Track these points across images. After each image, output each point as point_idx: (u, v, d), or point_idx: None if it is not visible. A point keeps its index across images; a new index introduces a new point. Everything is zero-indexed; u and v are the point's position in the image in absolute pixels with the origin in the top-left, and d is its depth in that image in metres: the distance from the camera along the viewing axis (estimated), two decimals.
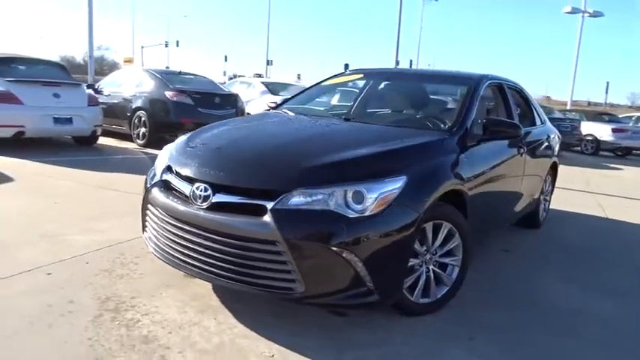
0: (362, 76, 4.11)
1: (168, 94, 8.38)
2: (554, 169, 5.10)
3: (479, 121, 3.19)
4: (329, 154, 2.54)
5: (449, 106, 3.62)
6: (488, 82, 3.66)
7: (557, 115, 14.77)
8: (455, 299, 2.87)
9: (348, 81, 4.13)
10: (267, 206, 2.27)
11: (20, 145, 7.24)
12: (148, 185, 2.81)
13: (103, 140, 8.77)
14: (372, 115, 3.78)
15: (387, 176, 2.39)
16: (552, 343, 2.58)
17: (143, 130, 8.53)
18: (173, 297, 2.72)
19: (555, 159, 5.00)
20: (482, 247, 4.04)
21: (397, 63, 41.66)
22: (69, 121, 7.38)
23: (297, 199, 2.28)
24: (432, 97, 3.80)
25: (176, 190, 2.64)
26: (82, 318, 2.41)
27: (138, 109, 8.66)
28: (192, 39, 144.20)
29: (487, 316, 2.83)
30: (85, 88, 8.06)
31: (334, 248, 2.21)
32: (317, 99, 4.25)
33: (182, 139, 3.06)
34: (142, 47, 57.72)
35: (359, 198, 2.29)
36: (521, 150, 3.85)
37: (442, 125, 3.22)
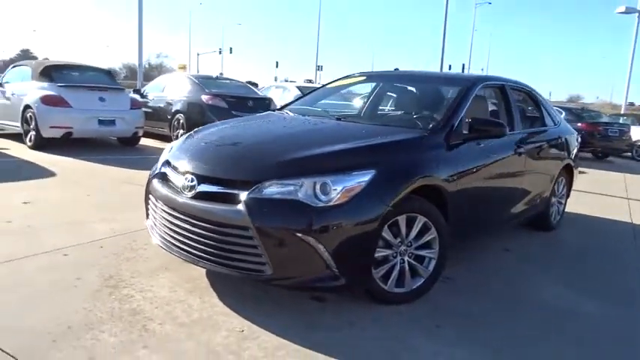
0: (365, 78, 4.29)
1: (204, 97, 8.84)
2: (568, 171, 5.04)
3: (467, 120, 3.29)
4: (304, 150, 2.74)
5: (440, 106, 3.72)
6: (484, 83, 3.74)
7: (605, 119, 14.23)
8: (435, 292, 3.00)
9: (352, 83, 4.31)
10: (242, 195, 2.51)
11: (70, 144, 7.88)
12: (150, 177, 3.11)
13: (146, 142, 9.35)
14: (364, 115, 3.94)
15: (354, 170, 2.57)
16: (524, 336, 2.66)
17: (181, 131, 9.02)
18: (169, 278, 3.00)
19: (569, 161, 4.95)
20: (483, 245, 4.12)
21: (449, 67, 41.25)
22: (112, 122, 7.96)
23: (269, 190, 2.50)
24: (425, 97, 3.92)
25: (171, 181, 2.92)
26: (83, 292, 2.73)
27: (177, 112, 9.18)
28: (246, 46, 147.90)
29: (462, 308, 2.93)
30: (128, 92, 8.64)
31: (299, 235, 2.41)
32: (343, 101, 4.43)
33: (184, 136, 3.36)
34: (198, 54, 60.06)
35: (326, 189, 2.48)
36: (520, 150, 3.89)
37: (427, 124, 3.35)
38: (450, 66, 42.70)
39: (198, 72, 39.55)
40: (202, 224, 2.60)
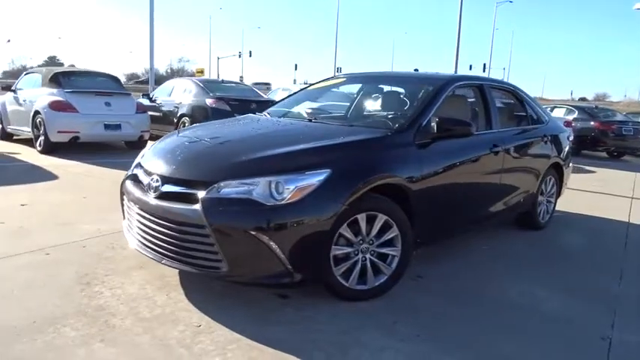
0: (345, 79, 4.35)
1: (209, 101, 9.02)
2: (557, 170, 5.00)
3: (434, 120, 3.32)
4: (264, 150, 2.83)
5: (409, 106, 3.75)
6: (459, 83, 3.77)
7: (620, 117, 13.94)
8: (401, 289, 3.05)
9: (333, 85, 4.38)
10: (200, 195, 2.60)
11: (78, 148, 8.13)
12: (124, 178, 3.24)
13: None
14: (339, 116, 4.00)
15: (309, 169, 2.64)
16: (482, 333, 2.68)
17: None
18: (141, 276, 3.12)
19: (558, 159, 4.91)
20: (462, 242, 4.13)
21: (470, 68, 40.83)
22: (118, 127, 8.18)
23: (226, 190, 2.59)
24: (399, 98, 3.96)
25: (141, 182, 3.04)
26: (56, 289, 2.86)
27: (183, 115, 9.38)
28: (266, 49, 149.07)
29: (424, 305, 2.97)
30: (135, 98, 8.86)
31: (252, 232, 2.50)
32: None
33: (162, 138, 3.49)
34: (218, 58, 60.72)
35: (279, 189, 2.56)
36: (497, 148, 3.90)
37: (394, 124, 3.39)
38: (470, 66, 42.31)
39: (218, 76, 40.02)
40: (165, 223, 2.71)
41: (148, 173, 2.96)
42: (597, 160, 12.53)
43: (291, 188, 2.55)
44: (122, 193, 3.22)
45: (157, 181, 2.82)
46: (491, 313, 2.94)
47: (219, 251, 2.55)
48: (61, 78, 8.25)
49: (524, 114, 4.66)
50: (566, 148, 5.17)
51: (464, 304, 3.03)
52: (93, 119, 7.93)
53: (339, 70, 47.56)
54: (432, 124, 3.29)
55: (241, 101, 9.29)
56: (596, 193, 7.38)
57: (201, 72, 41.48)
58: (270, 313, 2.73)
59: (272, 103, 9.91)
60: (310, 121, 3.59)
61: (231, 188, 2.59)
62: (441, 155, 3.34)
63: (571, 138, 5.27)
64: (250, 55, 57.31)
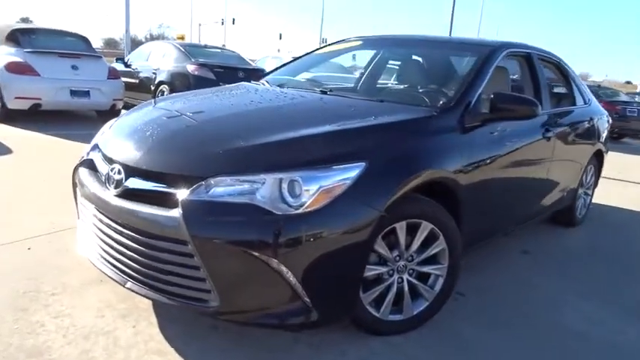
0: (361, 43, 3.54)
1: (190, 67, 8.09)
2: (598, 158, 4.32)
3: (485, 97, 2.57)
4: (269, 134, 2.03)
5: (452, 78, 3.00)
6: (508, 50, 2.99)
7: (623, 97, 13.37)
8: (438, 313, 2.33)
9: (347, 49, 3.57)
10: (179, 196, 1.81)
11: (42, 117, 7.16)
12: (77, 164, 2.42)
13: None
14: (358, 89, 3.22)
15: (337, 162, 1.87)
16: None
17: None
18: (100, 295, 2.34)
19: (601, 146, 4.23)
20: (498, 245, 3.44)
21: None
22: (86, 94, 7.22)
23: (217, 189, 1.80)
24: (434, 67, 3.18)
25: (98, 172, 2.23)
26: None
27: (161, 82, 8.44)
28: (249, 16, 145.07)
29: (468, 336, 2.27)
30: (105, 61, 7.87)
31: (256, 253, 1.73)
32: None
33: (128, 111, 2.65)
34: (200, 25, 58.52)
35: (295, 190, 1.78)
36: (549, 133, 3.17)
37: (435, 100, 2.62)
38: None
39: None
40: (129, 233, 1.92)
41: (108, 160, 2.15)
42: None
43: (313, 189, 1.78)
44: (74, 185, 2.40)
45: (119, 172, 2.01)
46: (554, 347, 2.26)
47: (207, 278, 1.78)
48: (19, 36, 7.18)
49: (569, 92, 3.93)
50: (606, 133, 4.48)
51: (520, 335, 2.34)
52: (57, 84, 6.93)
53: (324, 40, 46.05)
54: (484, 102, 2.54)
55: (227, 69, 8.37)
56: (616, 181, 6.75)
57: (182, 38, 39.66)
58: (278, 355, 1.99)
59: (262, 72, 9.06)
60: (325, 93, 2.78)
61: (224, 188, 1.80)
62: (493, 141, 2.60)
63: (610, 121, 4.55)
64: (233, 23, 55.26)
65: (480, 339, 2.27)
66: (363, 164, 1.88)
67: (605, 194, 5.28)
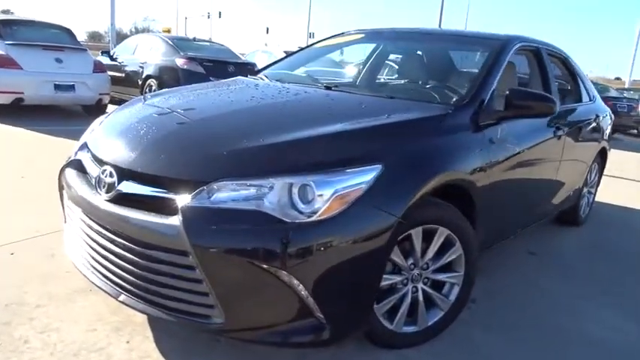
0: (363, 36, 3.38)
1: (179, 61, 7.86)
2: (602, 156, 4.23)
3: (500, 94, 2.43)
4: (275, 133, 1.86)
5: (463, 74, 2.86)
6: (519, 44, 2.86)
7: (613, 93, 13.40)
8: None
9: (347, 42, 3.41)
10: (179, 202, 1.65)
11: (26, 112, 6.89)
12: (64, 164, 2.23)
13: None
14: (361, 84, 3.06)
15: (351, 165, 1.71)
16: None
17: None
18: (90, 306, 2.17)
19: (605, 144, 4.13)
20: (502, 245, 3.32)
21: None
22: (71, 88, 6.97)
23: (220, 195, 1.64)
24: (444, 63, 3.04)
25: (88, 174, 2.05)
26: None
27: (149, 77, 8.20)
28: (235, 10, 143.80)
29: (483, 346, 2.14)
30: (90, 54, 7.60)
31: (265, 266, 1.57)
32: None
33: (119, 107, 2.47)
34: (186, 18, 57.79)
35: (307, 195, 1.63)
36: (560, 131, 3.06)
37: (449, 97, 2.48)
38: None
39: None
40: (123, 242, 1.75)
41: (98, 161, 1.97)
42: None
43: (327, 195, 1.62)
44: (61, 187, 2.22)
45: (111, 174, 1.83)
46: (570, 355, 2.14)
47: (210, 292, 1.62)
48: (0, 28, 6.90)
49: (576, 89, 3.82)
50: (609, 130, 4.38)
51: (533, 341, 2.22)
52: (40, 78, 6.67)
53: (311, 35, 45.69)
54: (498, 99, 2.41)
55: (217, 63, 8.15)
56: (609, 177, 6.69)
57: (168, 31, 39.04)
58: None
59: (251, 66, 8.85)
60: (329, 88, 2.62)
61: (229, 193, 1.64)
62: (508, 141, 2.47)
63: (613, 118, 4.45)
64: (220, 16, 54.57)
65: (493, 345, 2.15)
66: (379, 166, 1.73)
67: (603, 191, 5.20)
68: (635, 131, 13.96)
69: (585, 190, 4.04)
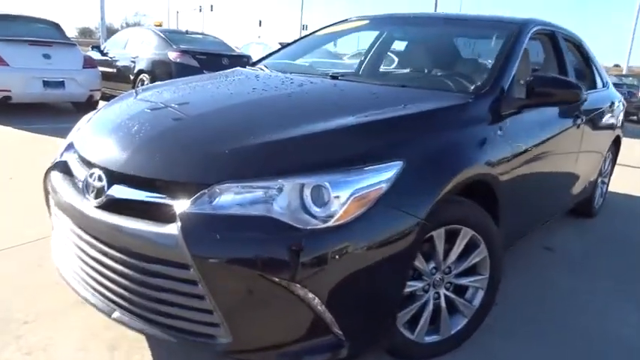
0: (367, 22, 3.18)
1: (172, 54, 7.61)
2: (616, 145, 4.08)
3: (520, 81, 2.25)
4: (283, 128, 1.68)
5: (480, 60, 2.68)
6: (536, 28, 2.68)
7: (613, 80, 13.23)
8: None
9: (351, 29, 3.21)
10: (177, 208, 1.46)
11: (14, 110, 6.66)
12: (49, 167, 2.03)
13: None
14: (370, 73, 2.87)
15: (370, 162, 1.53)
16: None
17: None
18: (82, 321, 1.98)
19: (619, 131, 3.98)
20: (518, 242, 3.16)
21: None
22: (60, 84, 6.74)
23: (224, 199, 1.45)
24: (458, 49, 2.85)
25: (75, 177, 1.86)
26: None
27: (141, 71, 7.95)
28: (227, 3, 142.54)
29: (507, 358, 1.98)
30: (80, 49, 7.36)
31: (277, 279, 1.39)
32: None
33: (105, 105, 2.27)
34: (177, 12, 57.22)
35: (321, 198, 1.44)
36: (579, 120, 2.89)
37: (467, 86, 2.29)
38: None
39: None
40: (115, 254, 1.56)
41: (86, 163, 1.78)
42: None
43: (345, 196, 1.44)
44: (47, 192, 2.02)
45: (100, 178, 1.64)
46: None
47: (214, 310, 1.43)
48: None
49: (591, 74, 3.64)
50: (622, 117, 4.22)
51: (559, 345, 2.05)
52: (28, 74, 6.44)
53: (304, 27, 45.28)
54: (519, 86, 2.23)
55: (211, 55, 7.91)
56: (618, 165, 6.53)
57: (160, 26, 38.59)
58: None
59: (246, 58, 8.62)
60: (336, 78, 2.43)
61: (232, 197, 1.45)
62: (530, 131, 2.30)
63: (625, 105, 4.29)
64: (212, 10, 54.05)
65: (513, 351, 1.98)
66: (400, 163, 1.55)
67: (612, 180, 5.05)
68: (636, 117, 13.83)
69: (599, 180, 3.89)
